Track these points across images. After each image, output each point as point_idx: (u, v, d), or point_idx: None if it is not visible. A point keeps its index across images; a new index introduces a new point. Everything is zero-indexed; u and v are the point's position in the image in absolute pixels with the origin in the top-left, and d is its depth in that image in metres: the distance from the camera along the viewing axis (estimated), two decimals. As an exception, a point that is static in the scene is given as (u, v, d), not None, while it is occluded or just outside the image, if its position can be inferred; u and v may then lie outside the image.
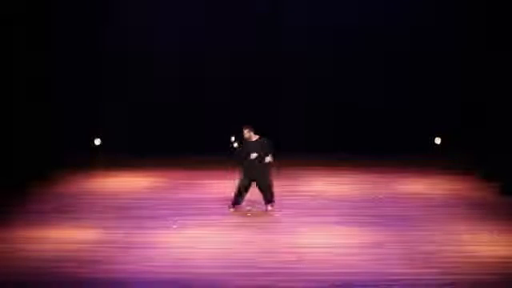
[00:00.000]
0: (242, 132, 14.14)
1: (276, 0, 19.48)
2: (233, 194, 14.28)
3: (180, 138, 19.20)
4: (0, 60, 17.83)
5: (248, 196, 14.34)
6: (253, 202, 14.44)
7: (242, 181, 14.16)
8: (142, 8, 19.42)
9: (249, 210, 14.26)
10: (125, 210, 14.37)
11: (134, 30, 19.38)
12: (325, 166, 18.10)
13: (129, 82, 19.59)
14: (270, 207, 14.30)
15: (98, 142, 19.26)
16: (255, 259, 11.67)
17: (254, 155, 13.98)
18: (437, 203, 14.85)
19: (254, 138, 14.17)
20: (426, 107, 19.43)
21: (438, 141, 19.08)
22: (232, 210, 14.24)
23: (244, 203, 14.36)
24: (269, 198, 14.30)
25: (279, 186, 15.63)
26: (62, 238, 12.70)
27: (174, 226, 13.26)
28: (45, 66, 18.92)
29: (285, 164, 17.71)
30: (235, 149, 14.28)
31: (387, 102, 19.46)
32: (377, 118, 19.57)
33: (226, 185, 15.61)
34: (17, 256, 11.81)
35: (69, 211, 14.31)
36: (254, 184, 14.25)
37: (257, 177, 14.11)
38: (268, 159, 14.06)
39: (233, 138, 14.33)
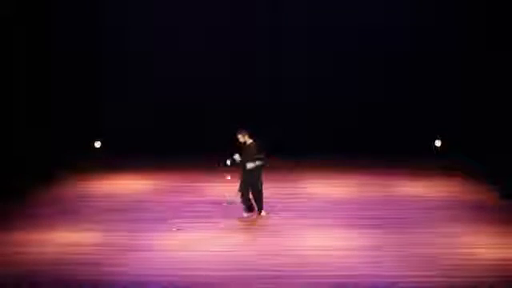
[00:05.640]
0: (236, 137, 13.92)
1: (276, 0, 19.46)
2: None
3: (180, 140, 19.14)
4: (0, 60, 17.86)
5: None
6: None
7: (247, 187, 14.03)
8: (143, 8, 19.40)
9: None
10: (125, 213, 14.36)
11: (134, 30, 19.38)
12: (323, 168, 17.98)
13: (128, 84, 19.58)
14: (264, 213, 14.19)
15: (98, 144, 19.27)
16: (255, 262, 11.70)
17: (250, 165, 13.78)
18: (436, 206, 14.81)
19: (249, 141, 13.93)
20: (426, 108, 19.39)
21: (438, 143, 19.07)
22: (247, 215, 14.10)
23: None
24: (260, 205, 14.17)
25: (278, 188, 15.69)
26: (62, 240, 12.71)
27: (174, 229, 13.27)
28: (45, 66, 18.93)
29: (284, 166, 17.78)
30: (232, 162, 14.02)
31: (387, 103, 19.42)
32: (376, 119, 19.54)
33: (226, 187, 15.61)
34: (17, 258, 11.83)
35: (69, 214, 14.29)
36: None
37: (253, 182, 14.00)
38: (258, 163, 13.83)
39: (228, 162, 14.03)
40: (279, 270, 11.33)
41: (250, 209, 14.10)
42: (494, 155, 17.41)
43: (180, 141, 19.09)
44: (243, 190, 13.99)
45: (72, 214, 14.31)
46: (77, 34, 19.16)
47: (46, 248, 12.33)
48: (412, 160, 18.40)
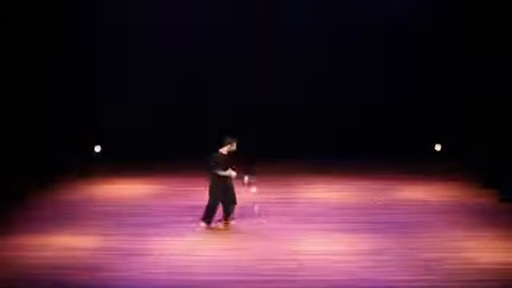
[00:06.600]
0: (224, 144, 13.48)
1: (276, 0, 19.43)
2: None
3: (180, 142, 19.09)
4: (0, 60, 17.88)
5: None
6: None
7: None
8: (142, 8, 19.38)
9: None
10: (124, 217, 14.33)
11: (134, 30, 19.36)
12: (323, 172, 17.88)
13: (129, 84, 19.57)
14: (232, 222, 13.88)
15: (98, 148, 19.25)
16: (254, 266, 11.70)
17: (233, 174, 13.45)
18: (436, 210, 14.75)
19: (225, 152, 13.45)
20: (426, 110, 19.36)
21: (438, 147, 19.05)
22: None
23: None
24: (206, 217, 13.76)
25: (277, 193, 15.68)
26: (61, 244, 12.70)
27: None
28: (45, 66, 18.92)
29: (283, 170, 17.76)
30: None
31: (386, 106, 19.41)
32: (376, 121, 19.52)
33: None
34: (16, 263, 11.82)
35: (68, 218, 14.26)
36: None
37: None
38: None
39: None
40: (279, 275, 11.32)
41: (210, 219, 13.63)
42: (495, 157, 17.40)
43: (180, 143, 19.04)
44: (215, 200, 13.59)
45: (71, 218, 14.28)
46: (77, 34, 19.15)
47: (46, 252, 12.32)
48: (412, 163, 18.35)
